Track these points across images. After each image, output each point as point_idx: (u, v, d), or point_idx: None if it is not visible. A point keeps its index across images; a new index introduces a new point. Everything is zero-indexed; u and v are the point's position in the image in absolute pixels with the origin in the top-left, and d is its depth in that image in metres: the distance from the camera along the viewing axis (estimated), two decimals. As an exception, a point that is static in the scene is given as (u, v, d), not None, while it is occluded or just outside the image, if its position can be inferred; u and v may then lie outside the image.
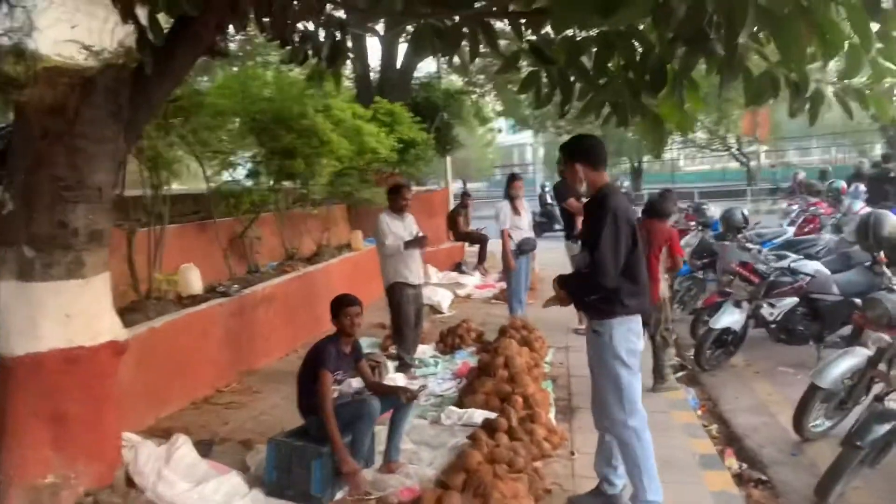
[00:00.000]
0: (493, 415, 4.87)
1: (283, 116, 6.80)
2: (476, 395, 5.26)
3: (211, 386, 5.76)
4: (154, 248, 5.74)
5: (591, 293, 3.51)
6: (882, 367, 4.61)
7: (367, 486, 4.03)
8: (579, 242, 3.81)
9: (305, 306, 7.47)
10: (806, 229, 10.76)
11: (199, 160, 6.80)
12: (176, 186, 7.18)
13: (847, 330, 6.55)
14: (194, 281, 6.47)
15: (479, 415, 5.00)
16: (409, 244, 6.25)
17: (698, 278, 8.89)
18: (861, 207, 10.29)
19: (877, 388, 4.50)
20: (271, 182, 7.53)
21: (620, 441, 3.58)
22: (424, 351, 6.99)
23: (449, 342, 7.22)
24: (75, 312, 3.46)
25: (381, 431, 4.48)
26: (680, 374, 6.90)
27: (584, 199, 7.47)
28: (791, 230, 10.61)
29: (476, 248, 12.59)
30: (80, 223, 3.46)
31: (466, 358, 6.78)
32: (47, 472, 3.37)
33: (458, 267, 12.15)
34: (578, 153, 3.63)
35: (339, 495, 3.97)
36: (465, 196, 13.19)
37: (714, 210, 9.50)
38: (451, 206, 13.56)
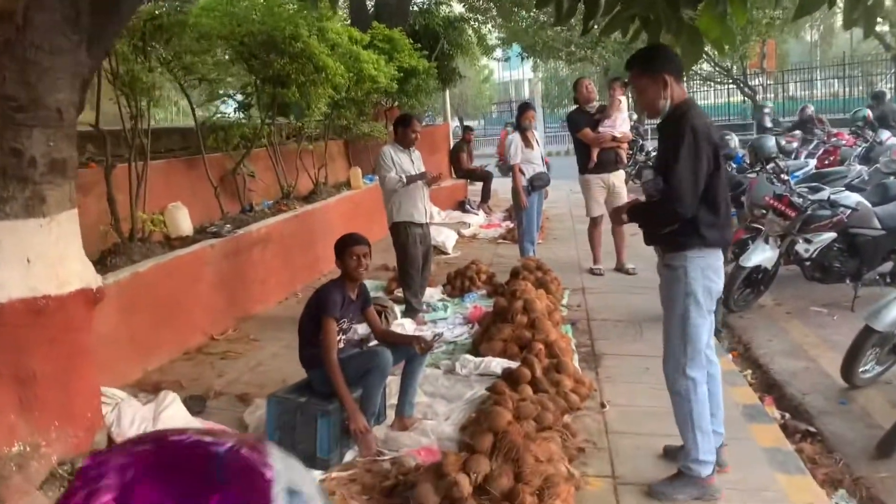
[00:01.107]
0: (513, 364, 4.45)
1: (274, 39, 6.16)
2: (493, 341, 4.82)
3: (205, 333, 5.32)
4: (136, 184, 5.20)
5: (664, 224, 3.02)
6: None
7: (379, 445, 3.62)
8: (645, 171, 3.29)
9: (303, 247, 6.99)
10: (826, 162, 10.22)
11: (184, 88, 6.20)
12: (162, 121, 6.63)
13: (887, 267, 6.10)
14: (183, 221, 5.96)
15: (496, 363, 4.57)
16: (413, 178, 5.73)
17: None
18: (888, 137, 9.75)
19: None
20: (263, 114, 6.92)
21: (674, 391, 3.15)
22: (431, 294, 6.53)
23: (457, 285, 6.75)
24: (37, 256, 2.96)
25: (392, 383, 4.06)
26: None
27: (613, 124, 7.07)
28: (812, 162, 10.04)
29: (479, 185, 12.05)
30: (38, 151, 2.93)
31: (477, 301, 6.34)
32: (13, 440, 2.92)
33: (461, 206, 11.63)
34: (665, 61, 3.04)
35: (348, 456, 3.55)
36: (467, 131, 12.54)
37: (736, 141, 8.94)
38: (452, 143, 12.93)
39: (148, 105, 5.28)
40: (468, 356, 4.72)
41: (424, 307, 6.22)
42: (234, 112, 7.34)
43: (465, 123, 13.84)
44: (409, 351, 3.76)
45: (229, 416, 3.99)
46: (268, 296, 6.23)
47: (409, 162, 5.85)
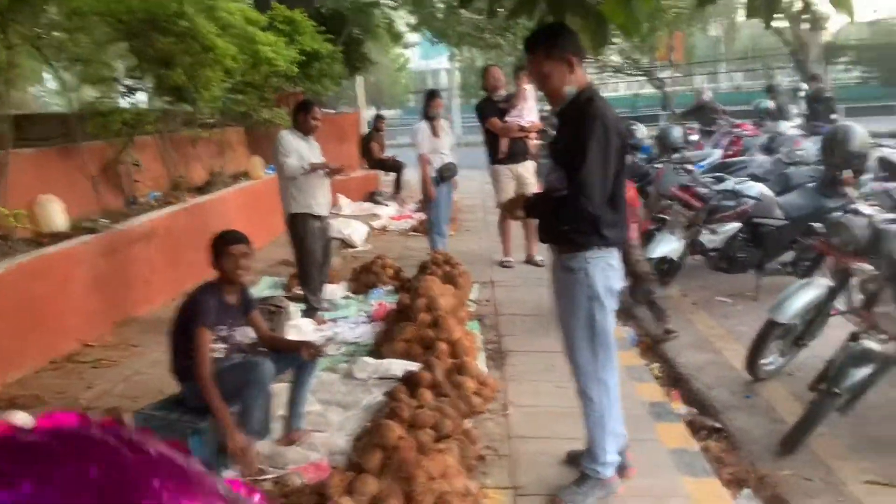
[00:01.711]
0: (414, 366, 4.19)
1: (156, 17, 5.66)
2: (394, 342, 4.55)
3: (77, 340, 4.82)
4: (-6, 176, 4.66)
5: (569, 222, 2.80)
6: (843, 298, 4.15)
7: (262, 462, 3.30)
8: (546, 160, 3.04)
9: (195, 243, 6.45)
10: (730, 152, 10.41)
11: (55, 69, 5.64)
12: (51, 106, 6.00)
13: (789, 256, 6.16)
14: (56, 215, 5.42)
15: (397, 366, 4.30)
16: (316, 166, 5.38)
17: (627, 204, 8.37)
18: (789, 127, 10.00)
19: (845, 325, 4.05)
20: (150, 98, 6.40)
21: (585, 396, 2.96)
22: (334, 291, 6.20)
23: (363, 280, 6.45)
24: None
25: (282, 392, 3.73)
26: (613, 307, 6.41)
27: (520, 114, 6.89)
28: (718, 152, 10.20)
29: (392, 176, 11.73)
30: None
31: (383, 298, 6.05)
32: None
33: (372, 197, 11.28)
34: (569, 42, 2.80)
35: (226, 476, 3.20)
36: (378, 120, 12.16)
37: (643, 131, 8.94)
38: (365, 132, 12.54)
39: (7, 89, 4.72)
40: (367, 359, 4.43)
41: (326, 305, 5.89)
42: (122, 94, 6.78)
43: (377, 112, 13.42)
44: (298, 358, 3.44)
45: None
46: (153, 296, 5.75)
47: (307, 150, 5.49)
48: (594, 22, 3.03)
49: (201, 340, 3.15)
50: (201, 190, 7.62)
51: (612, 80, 35.53)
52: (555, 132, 3.07)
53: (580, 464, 3.09)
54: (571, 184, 2.73)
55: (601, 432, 2.96)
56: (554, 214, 2.83)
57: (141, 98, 7.28)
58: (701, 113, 12.57)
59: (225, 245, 3.29)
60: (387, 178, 12.15)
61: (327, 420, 3.78)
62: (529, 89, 6.90)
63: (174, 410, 3.22)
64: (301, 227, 5.45)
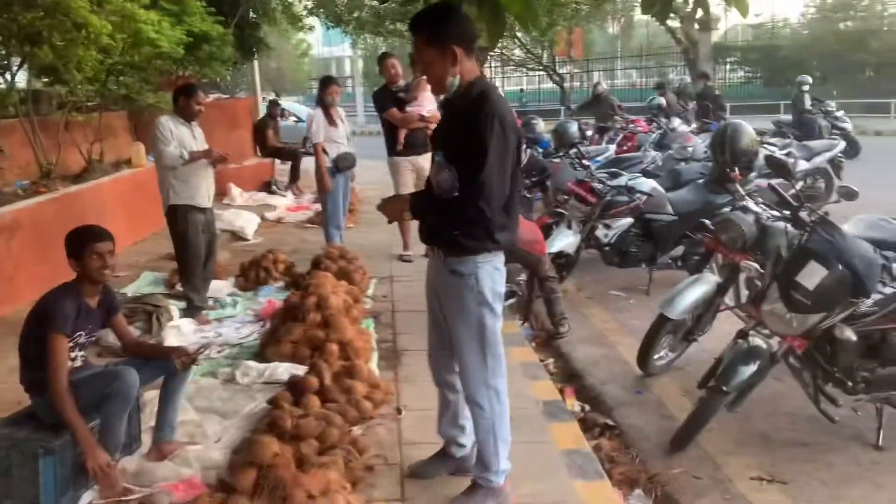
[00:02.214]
0: (301, 369, 3.97)
1: (19, -13, 5.15)
2: (281, 343, 4.30)
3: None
4: None
5: (460, 225, 2.62)
6: (731, 294, 4.23)
7: (129, 480, 3.01)
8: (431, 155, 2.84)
9: (67, 236, 6.00)
10: (624, 147, 10.63)
11: None
12: None
13: (679, 251, 6.30)
14: None
15: (284, 369, 4.07)
16: (197, 155, 5.04)
17: (526, 198, 8.38)
18: (679, 124, 10.29)
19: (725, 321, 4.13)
20: (10, 77, 5.84)
21: (475, 403, 2.82)
22: (220, 288, 5.86)
23: (252, 276, 6.12)
24: None
25: (152, 402, 3.44)
26: (509, 302, 6.36)
27: (420, 104, 6.71)
28: (612, 148, 10.38)
29: (288, 165, 11.33)
30: None
31: (272, 295, 5.76)
32: None
33: (267, 186, 10.87)
34: (455, 30, 2.60)
35: (86, 498, 2.90)
36: (273, 105, 11.68)
37: (542, 125, 8.98)
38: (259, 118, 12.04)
39: None
40: (251, 363, 4.17)
41: (210, 303, 5.55)
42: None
43: (272, 98, 12.92)
44: (169, 365, 3.15)
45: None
46: (16, 296, 5.23)
47: (190, 137, 5.14)
48: (489, 11, 2.90)
49: (56, 349, 2.83)
50: (78, 178, 7.07)
51: (516, 74, 36.04)
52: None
53: (469, 472, 2.97)
54: (468, 186, 2.58)
55: (492, 440, 2.84)
56: (444, 217, 2.67)
57: (20, 78, 6.67)
58: (597, 107, 12.78)
59: (86, 242, 2.97)
60: (283, 167, 11.73)
61: (203, 431, 3.51)
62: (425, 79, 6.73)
63: (24, 427, 2.88)
64: (182, 221, 5.10)
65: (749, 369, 3.35)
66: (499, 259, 2.79)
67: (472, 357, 2.79)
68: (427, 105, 6.85)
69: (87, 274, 2.97)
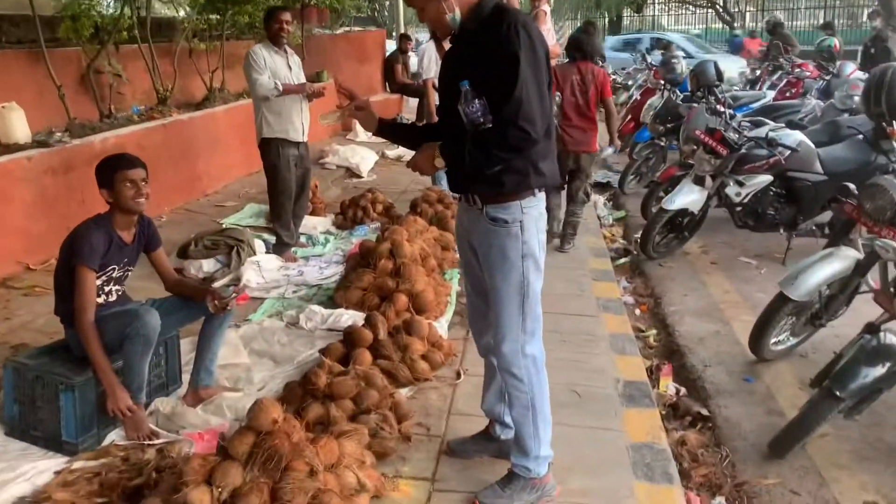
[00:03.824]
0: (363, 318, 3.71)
1: None
2: (350, 290, 4.06)
3: (17, 262, 4.48)
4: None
5: (499, 158, 2.21)
6: (869, 279, 3.47)
7: (157, 422, 2.90)
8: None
9: (175, 163, 6.09)
10: (787, 94, 9.39)
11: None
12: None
13: (825, 216, 5.40)
14: (17, 125, 5.06)
15: (348, 317, 3.84)
16: (291, 89, 4.83)
17: (659, 146, 7.60)
18: (852, 70, 8.93)
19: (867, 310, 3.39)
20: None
21: (510, 373, 2.43)
22: (316, 225, 5.73)
23: (349, 215, 5.95)
24: None
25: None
26: (622, 260, 5.80)
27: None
28: (771, 94, 9.21)
29: (416, 102, 11.03)
30: None
31: (367, 236, 5.55)
32: None
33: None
34: None
35: (110, 438, 2.81)
36: (405, 39, 11.37)
37: (685, 65, 8.05)
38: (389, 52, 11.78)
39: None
40: (316, 307, 3.97)
41: (303, 240, 5.43)
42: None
43: (402, 32, 12.59)
44: (203, 308, 2.98)
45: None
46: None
47: (285, 66, 4.94)
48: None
49: (82, 282, 2.71)
50: (199, 106, 7.17)
51: (680, 12, 33.48)
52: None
53: (508, 457, 2.58)
54: (503, 108, 2.14)
55: (531, 417, 2.44)
56: (481, 153, 2.23)
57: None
58: (772, 44, 11.36)
59: (118, 170, 2.80)
60: (413, 103, 11.46)
61: (250, 377, 3.36)
62: (547, 11, 6.13)
63: (56, 358, 2.81)
64: (274, 154, 4.95)
65: (874, 372, 2.69)
66: (542, 202, 2.39)
67: (509, 320, 2.38)
68: (547, 40, 6.25)
69: (119, 204, 2.82)
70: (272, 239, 5.19)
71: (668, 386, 3.81)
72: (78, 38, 5.50)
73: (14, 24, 5.94)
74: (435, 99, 6.33)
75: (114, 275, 2.88)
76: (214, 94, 7.33)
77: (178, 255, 4.68)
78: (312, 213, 5.91)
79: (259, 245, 4.98)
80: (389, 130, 2.65)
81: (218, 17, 7.12)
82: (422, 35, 13.25)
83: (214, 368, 3.12)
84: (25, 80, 5.43)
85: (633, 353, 3.84)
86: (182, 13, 6.62)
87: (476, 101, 2.16)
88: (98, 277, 2.80)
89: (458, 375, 3.45)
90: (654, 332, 4.54)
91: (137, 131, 5.64)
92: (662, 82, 8.17)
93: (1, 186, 4.37)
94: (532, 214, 2.32)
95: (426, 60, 6.34)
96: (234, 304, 2.99)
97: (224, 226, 5.52)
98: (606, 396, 3.32)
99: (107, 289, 2.88)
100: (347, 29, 11.50)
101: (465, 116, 2.19)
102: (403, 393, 3.20)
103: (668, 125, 7.35)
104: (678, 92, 7.69)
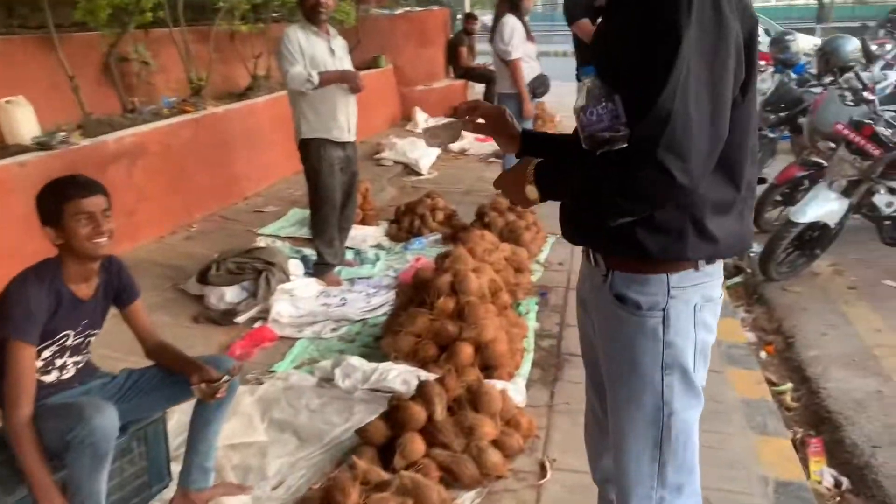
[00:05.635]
0: (422, 375, 2.84)
1: None
2: (400, 336, 3.17)
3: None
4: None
5: (629, 208, 1.28)
6: None
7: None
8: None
9: (208, 163, 5.33)
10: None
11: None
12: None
13: None
14: (23, 123, 4.37)
15: (395, 374, 2.96)
16: (330, 77, 3.96)
17: (768, 138, 6.45)
18: None
19: None
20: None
21: None
22: (366, 237, 4.88)
23: (405, 224, 5.06)
24: None
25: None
26: (734, 280, 4.76)
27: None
28: (893, 76, 7.89)
29: (482, 88, 10.09)
30: None
31: (424, 251, 4.69)
32: None
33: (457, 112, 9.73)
34: None
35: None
36: (470, 19, 10.40)
37: (802, 43, 6.85)
38: (453, 34, 10.83)
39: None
40: (355, 360, 3.09)
41: (350, 256, 4.60)
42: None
43: (468, 11, 11.60)
44: (188, 391, 2.14)
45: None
46: (137, 231, 4.59)
47: (325, 51, 4.06)
48: None
49: (14, 362, 1.91)
50: (242, 97, 6.41)
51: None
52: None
53: None
54: (638, 125, 1.21)
55: None
56: (600, 193, 1.30)
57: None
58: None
59: (67, 199, 1.97)
60: (478, 89, 10.51)
61: (263, 466, 2.52)
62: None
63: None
64: (315, 157, 4.10)
65: None
66: (716, 279, 1.43)
67: (636, 464, 1.48)
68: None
69: (72, 247, 1.99)
70: (313, 255, 4.36)
71: (823, 472, 2.83)
72: (95, 21, 4.76)
73: (34, 6, 5.26)
74: (524, 82, 5.36)
75: (67, 343, 2.07)
76: (259, 82, 6.56)
77: (198, 279, 3.90)
78: (362, 222, 5.05)
79: (296, 266, 4.16)
80: (542, 147, 1.63)
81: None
82: (486, 17, 12.21)
83: (211, 465, 2.28)
84: (37, 70, 4.76)
85: (781, 434, 2.84)
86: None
87: (603, 101, 1.23)
88: (46, 348, 2.01)
89: (543, 470, 2.53)
90: (789, 385, 3.53)
91: (162, 127, 4.88)
92: (768, 63, 6.99)
93: (-12, 199, 3.65)
94: (693, 297, 1.38)
95: (511, 36, 5.27)
96: (221, 389, 2.10)
97: (259, 238, 4.73)
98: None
99: (59, 362, 2.07)
100: (408, 9, 10.60)
101: (580, 127, 1.27)
102: (468, 503, 2.31)
103: (782, 114, 6.20)
104: (792, 74, 6.52)
